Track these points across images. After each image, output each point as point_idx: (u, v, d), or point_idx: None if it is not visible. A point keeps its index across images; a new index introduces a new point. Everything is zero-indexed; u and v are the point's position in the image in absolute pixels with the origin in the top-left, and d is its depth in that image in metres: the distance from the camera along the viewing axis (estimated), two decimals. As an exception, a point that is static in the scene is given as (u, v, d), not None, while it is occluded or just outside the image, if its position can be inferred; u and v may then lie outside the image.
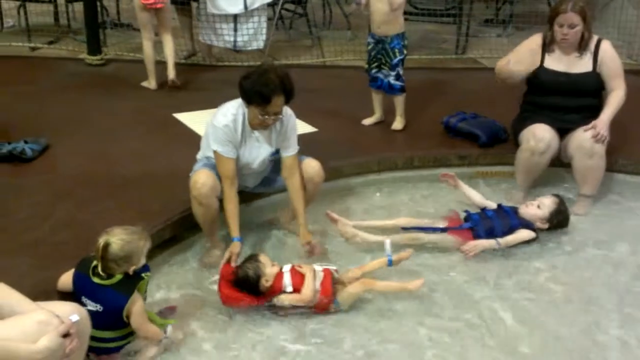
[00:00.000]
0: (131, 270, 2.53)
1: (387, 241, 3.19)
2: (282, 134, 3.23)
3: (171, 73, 5.39)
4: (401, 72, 4.45)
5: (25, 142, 3.93)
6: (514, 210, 3.55)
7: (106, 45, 6.39)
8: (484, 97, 5.06)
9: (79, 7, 6.53)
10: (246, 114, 3.13)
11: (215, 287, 3.00)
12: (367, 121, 4.69)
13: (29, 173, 3.76)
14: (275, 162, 3.34)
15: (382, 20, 4.28)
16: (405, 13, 7.31)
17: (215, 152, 3.13)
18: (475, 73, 6.02)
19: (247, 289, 2.89)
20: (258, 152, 3.23)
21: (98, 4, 6.25)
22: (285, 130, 3.22)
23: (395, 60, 4.38)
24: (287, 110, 3.23)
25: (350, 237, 3.45)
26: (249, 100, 3.03)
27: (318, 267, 3.01)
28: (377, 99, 4.65)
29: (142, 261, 2.58)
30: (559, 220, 3.55)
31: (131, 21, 7.07)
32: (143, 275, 2.59)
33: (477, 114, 4.42)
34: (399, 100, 4.56)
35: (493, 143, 4.30)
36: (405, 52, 4.42)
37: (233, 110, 3.13)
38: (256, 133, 3.19)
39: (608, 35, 4.09)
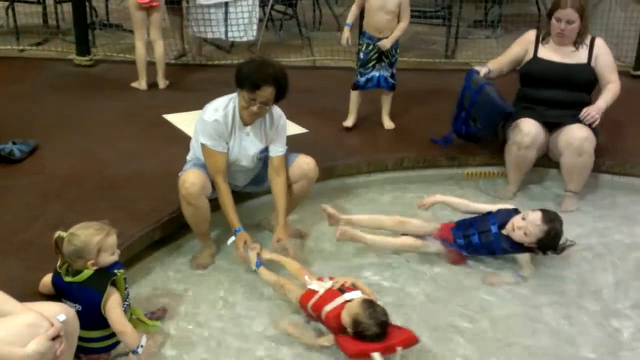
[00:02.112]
0: (89, 265, 2.47)
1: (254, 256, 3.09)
2: (272, 131, 3.25)
3: (160, 82, 5.42)
4: (395, 71, 4.56)
5: (14, 143, 3.91)
6: (502, 223, 3.29)
7: (95, 46, 6.37)
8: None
9: (67, 7, 6.49)
10: (237, 107, 3.14)
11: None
12: (348, 125, 4.66)
13: (17, 174, 3.74)
14: (266, 160, 3.34)
15: (385, 26, 4.36)
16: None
17: (203, 146, 3.12)
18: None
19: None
20: (248, 147, 3.23)
21: (87, 4, 6.22)
22: (276, 128, 3.25)
23: (393, 59, 4.51)
24: (277, 111, 3.25)
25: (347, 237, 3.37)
26: (240, 84, 3.06)
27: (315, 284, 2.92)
28: (357, 101, 4.65)
29: (104, 257, 2.50)
30: (547, 245, 3.25)
31: (120, 22, 7.05)
32: (116, 272, 2.54)
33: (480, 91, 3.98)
34: (389, 98, 4.65)
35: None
36: (398, 51, 4.57)
37: (223, 105, 3.15)
38: (247, 128, 3.19)
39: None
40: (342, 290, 2.80)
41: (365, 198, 4.05)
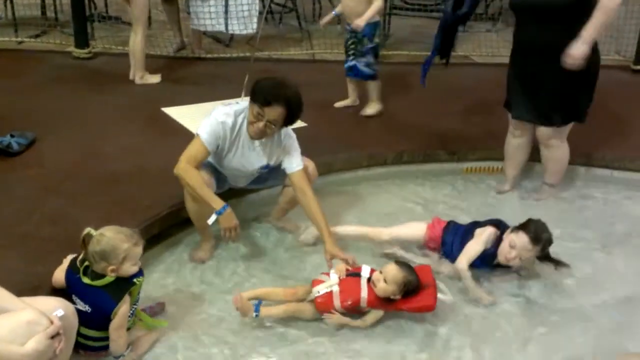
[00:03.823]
0: (109, 270, 2.44)
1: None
2: (280, 150, 3.22)
3: (136, 76, 5.31)
4: (372, 60, 4.59)
5: (12, 136, 3.90)
6: (492, 256, 3.18)
7: (94, 39, 6.34)
8: (473, 93, 5.08)
9: (66, -1, 6.48)
10: (246, 118, 3.11)
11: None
12: (339, 104, 4.85)
13: (15, 167, 3.73)
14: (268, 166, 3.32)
15: (353, 14, 4.48)
16: (395, 8, 7.34)
17: (197, 135, 3.08)
18: (465, 68, 6.03)
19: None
20: (251, 160, 3.21)
21: (85, -4, 6.20)
22: (284, 147, 3.21)
23: (364, 48, 4.54)
24: (288, 131, 3.21)
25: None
26: (253, 96, 3.03)
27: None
28: (350, 85, 4.82)
29: (128, 266, 2.47)
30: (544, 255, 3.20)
31: (119, 14, 7.03)
32: (135, 280, 2.52)
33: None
34: (371, 87, 4.71)
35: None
36: (376, 40, 4.58)
37: (237, 112, 3.12)
38: (255, 142, 3.17)
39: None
40: (352, 274, 2.91)
41: (363, 193, 4.04)
